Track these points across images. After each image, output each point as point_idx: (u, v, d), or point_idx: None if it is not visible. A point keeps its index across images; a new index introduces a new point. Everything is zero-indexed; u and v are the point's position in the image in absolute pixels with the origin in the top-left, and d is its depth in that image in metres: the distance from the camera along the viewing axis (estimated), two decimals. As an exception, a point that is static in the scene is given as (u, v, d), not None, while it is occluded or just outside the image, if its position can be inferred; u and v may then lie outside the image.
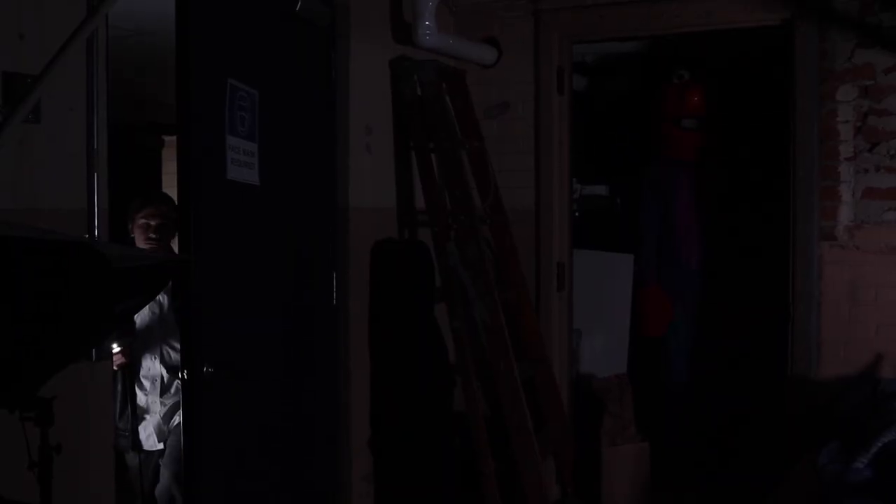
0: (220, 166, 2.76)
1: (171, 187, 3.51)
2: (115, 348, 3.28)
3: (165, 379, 3.44)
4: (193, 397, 2.65)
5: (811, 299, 3.73)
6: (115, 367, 3.29)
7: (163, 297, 3.44)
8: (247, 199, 2.91)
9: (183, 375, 2.64)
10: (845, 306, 3.70)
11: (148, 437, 3.44)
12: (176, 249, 3.33)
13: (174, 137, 2.75)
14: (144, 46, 4.86)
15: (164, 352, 3.43)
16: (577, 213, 5.15)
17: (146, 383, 3.43)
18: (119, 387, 3.39)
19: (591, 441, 4.32)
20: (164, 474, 3.41)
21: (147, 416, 3.45)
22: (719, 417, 5.04)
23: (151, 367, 3.43)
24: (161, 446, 3.47)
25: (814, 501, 3.06)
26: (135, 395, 3.43)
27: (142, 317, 3.42)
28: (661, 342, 5.22)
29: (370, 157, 3.73)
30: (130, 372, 3.41)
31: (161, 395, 3.45)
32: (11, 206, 2.27)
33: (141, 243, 3.44)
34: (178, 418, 3.42)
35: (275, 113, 3.05)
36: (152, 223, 3.43)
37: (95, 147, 2.45)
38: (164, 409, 3.45)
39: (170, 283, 3.17)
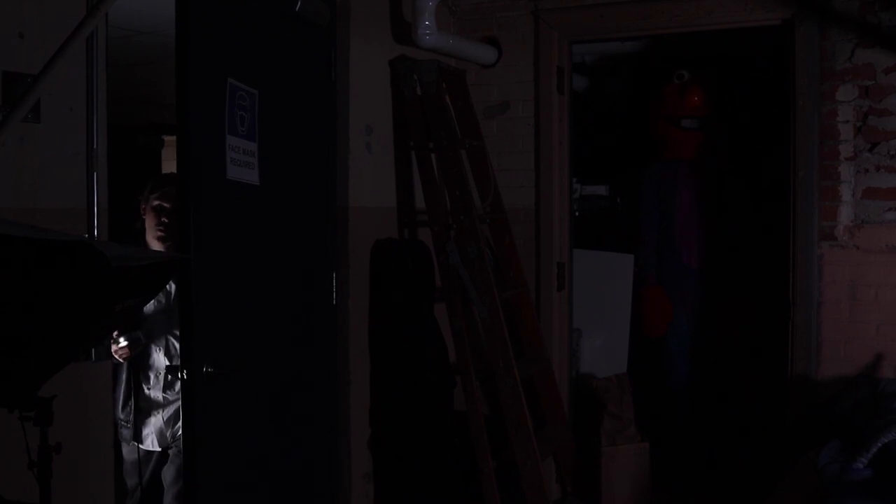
0: (220, 166, 2.76)
1: (170, 187, 3.48)
2: (122, 342, 3.25)
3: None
4: (193, 396, 2.65)
5: (811, 299, 3.73)
6: (121, 360, 3.27)
7: (170, 286, 3.37)
8: (246, 198, 2.91)
9: (182, 374, 2.64)
10: (845, 306, 3.71)
11: (147, 435, 3.41)
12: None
13: (174, 137, 2.74)
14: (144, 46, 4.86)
15: (170, 343, 3.39)
16: (577, 213, 5.15)
17: (150, 375, 3.40)
18: (123, 376, 3.36)
19: (590, 441, 4.32)
20: (166, 499, 3.38)
21: (151, 412, 3.41)
22: (719, 417, 5.04)
23: (156, 358, 3.40)
24: (159, 449, 3.44)
25: (814, 501, 3.06)
26: (139, 386, 3.40)
27: (147, 306, 3.38)
28: (661, 342, 5.22)
29: (370, 156, 3.73)
30: (135, 363, 3.39)
31: (164, 391, 3.40)
32: (11, 204, 2.27)
33: (151, 228, 3.36)
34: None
35: (275, 113, 3.05)
36: (166, 206, 3.37)
37: (95, 146, 2.45)
38: (169, 410, 3.40)
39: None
